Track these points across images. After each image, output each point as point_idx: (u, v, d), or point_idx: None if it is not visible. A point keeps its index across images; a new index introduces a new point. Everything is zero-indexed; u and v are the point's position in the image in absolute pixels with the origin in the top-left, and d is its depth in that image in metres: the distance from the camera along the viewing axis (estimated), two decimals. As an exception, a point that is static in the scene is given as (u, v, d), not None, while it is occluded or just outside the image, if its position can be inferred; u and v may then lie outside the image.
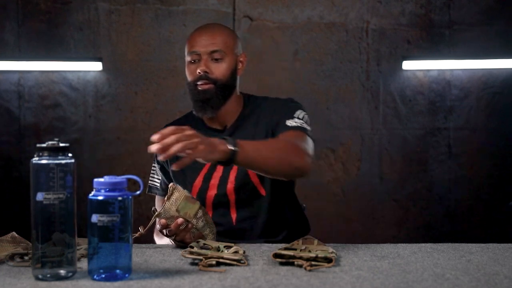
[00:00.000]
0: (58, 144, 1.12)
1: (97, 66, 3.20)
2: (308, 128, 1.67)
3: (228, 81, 1.70)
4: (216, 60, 1.68)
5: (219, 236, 1.59)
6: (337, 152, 3.31)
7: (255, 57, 3.28)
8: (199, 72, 1.67)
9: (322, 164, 3.31)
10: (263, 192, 1.71)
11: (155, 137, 1.18)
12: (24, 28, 3.23)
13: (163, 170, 1.81)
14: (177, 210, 1.40)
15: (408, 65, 3.25)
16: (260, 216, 1.71)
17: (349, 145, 3.31)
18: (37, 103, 3.25)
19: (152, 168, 1.85)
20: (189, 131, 1.21)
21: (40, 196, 1.11)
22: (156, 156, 1.81)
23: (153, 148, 1.15)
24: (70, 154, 1.14)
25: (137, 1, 3.26)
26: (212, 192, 1.70)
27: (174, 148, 1.16)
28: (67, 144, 1.14)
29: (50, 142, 1.12)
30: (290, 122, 1.64)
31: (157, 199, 1.85)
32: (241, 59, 1.77)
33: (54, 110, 3.26)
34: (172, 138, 1.16)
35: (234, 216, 1.71)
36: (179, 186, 1.43)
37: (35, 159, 1.12)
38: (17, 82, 3.25)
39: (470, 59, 3.23)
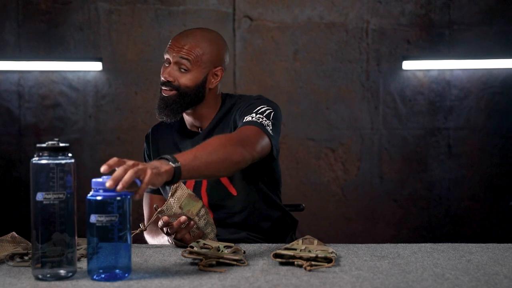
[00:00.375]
0: (58, 144, 1.13)
1: (97, 66, 3.20)
2: (266, 122, 1.60)
3: (191, 91, 1.68)
4: (184, 70, 1.67)
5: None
6: (337, 152, 3.31)
7: (255, 57, 3.28)
8: (162, 78, 1.69)
9: (322, 164, 3.31)
10: (234, 192, 1.70)
11: (103, 168, 1.15)
12: (24, 28, 3.23)
13: None
14: (180, 207, 1.40)
15: (408, 65, 3.25)
16: (235, 216, 1.70)
17: (349, 145, 3.31)
18: (37, 103, 3.25)
19: None
20: (130, 161, 1.19)
21: (40, 196, 1.11)
22: (144, 156, 1.85)
23: (107, 185, 1.13)
24: (70, 154, 1.14)
25: (137, 1, 3.26)
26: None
27: (126, 178, 1.14)
28: (67, 144, 1.14)
29: (50, 142, 1.12)
30: (247, 118, 1.60)
31: (145, 196, 1.82)
32: (216, 72, 1.71)
33: (54, 110, 3.26)
34: (120, 170, 1.15)
35: (211, 216, 1.70)
36: (183, 184, 1.43)
37: (35, 159, 1.12)
38: (17, 82, 3.25)
39: (470, 59, 3.23)
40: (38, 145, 1.12)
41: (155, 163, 1.24)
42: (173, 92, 1.67)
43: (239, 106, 1.71)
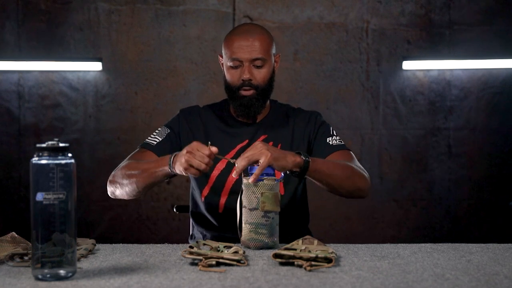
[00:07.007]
0: (58, 144, 1.12)
1: (97, 66, 3.20)
2: (341, 142, 1.81)
3: (267, 85, 1.76)
4: (258, 66, 1.73)
5: (229, 224, 1.66)
6: (337, 152, 3.31)
7: (255, 57, 3.28)
8: (243, 79, 1.72)
9: (322, 164, 3.30)
10: (281, 191, 1.72)
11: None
12: (24, 28, 3.23)
13: (175, 139, 1.80)
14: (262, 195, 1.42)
15: (408, 65, 3.25)
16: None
17: (349, 145, 3.31)
18: (37, 103, 3.25)
19: (158, 130, 1.84)
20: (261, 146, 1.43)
21: (40, 196, 1.11)
22: (170, 123, 1.83)
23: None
24: (70, 154, 1.14)
25: (137, 1, 3.26)
26: (233, 178, 1.71)
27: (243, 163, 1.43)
28: (67, 144, 1.14)
29: (50, 142, 1.12)
30: (330, 140, 1.79)
31: (147, 155, 1.81)
32: (276, 59, 1.83)
33: (54, 110, 3.26)
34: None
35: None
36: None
37: (35, 159, 1.12)
38: (17, 82, 3.25)
39: (470, 59, 3.23)
40: (38, 145, 1.12)
41: (286, 152, 1.49)
42: (252, 91, 1.74)
43: (305, 118, 1.83)
